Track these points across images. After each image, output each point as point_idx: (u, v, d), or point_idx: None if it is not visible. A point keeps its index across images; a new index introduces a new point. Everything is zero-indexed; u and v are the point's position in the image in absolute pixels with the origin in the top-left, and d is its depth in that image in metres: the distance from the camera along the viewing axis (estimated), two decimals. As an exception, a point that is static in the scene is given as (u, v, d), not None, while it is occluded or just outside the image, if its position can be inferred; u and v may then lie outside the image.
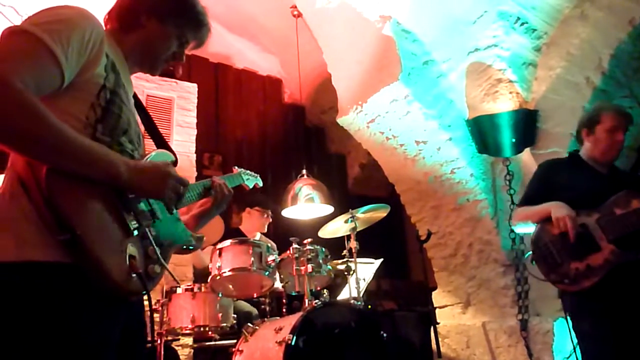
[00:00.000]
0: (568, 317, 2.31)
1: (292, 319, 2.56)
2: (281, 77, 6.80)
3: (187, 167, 4.66)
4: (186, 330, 3.09)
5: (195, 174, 4.79)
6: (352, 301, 3.00)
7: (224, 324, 3.13)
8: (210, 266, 2.99)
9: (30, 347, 1.01)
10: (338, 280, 3.44)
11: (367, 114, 4.24)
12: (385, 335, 2.74)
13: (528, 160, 4.01)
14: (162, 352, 2.99)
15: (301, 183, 4.08)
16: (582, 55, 3.68)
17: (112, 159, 1.13)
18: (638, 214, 2.15)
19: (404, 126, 4.14)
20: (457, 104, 4.17)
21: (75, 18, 1.16)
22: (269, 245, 3.08)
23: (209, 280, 2.98)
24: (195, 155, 4.86)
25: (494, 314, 4.23)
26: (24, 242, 1.04)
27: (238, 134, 6.19)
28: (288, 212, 4.12)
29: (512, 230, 3.98)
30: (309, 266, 2.87)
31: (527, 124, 3.98)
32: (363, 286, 3.46)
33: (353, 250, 3.24)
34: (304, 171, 4.21)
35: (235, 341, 2.99)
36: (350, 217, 3.27)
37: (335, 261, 3.24)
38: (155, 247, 1.22)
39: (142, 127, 1.49)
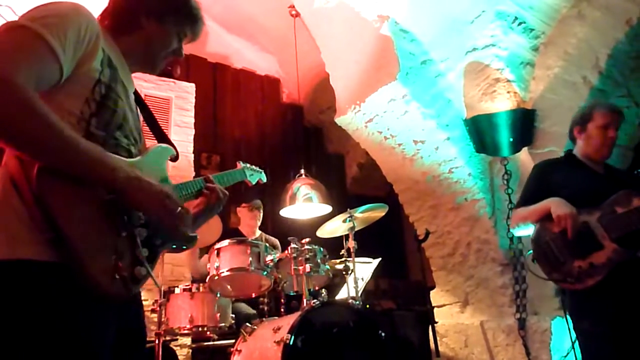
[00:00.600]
0: (567, 316, 2.30)
1: (291, 319, 2.56)
2: (279, 76, 6.80)
3: (185, 167, 4.66)
4: (184, 330, 3.09)
5: (193, 173, 4.79)
6: (350, 301, 3.01)
7: (223, 324, 3.13)
8: (208, 266, 3.00)
9: (20, 345, 1.01)
10: (336, 279, 3.44)
11: (365, 114, 4.24)
12: (383, 334, 2.73)
13: (526, 160, 4.02)
14: (161, 352, 2.99)
15: (299, 183, 4.08)
16: (579, 55, 3.69)
17: (109, 163, 1.12)
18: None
19: (402, 126, 4.15)
20: (455, 104, 4.17)
21: (71, 13, 1.16)
22: (267, 244, 3.08)
23: (207, 280, 2.97)
24: (193, 155, 4.86)
25: (492, 313, 4.24)
26: (15, 240, 1.04)
27: (236, 134, 6.19)
28: (286, 212, 4.13)
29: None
30: (307, 266, 2.87)
31: (524, 124, 3.99)
32: (361, 286, 3.46)
33: (351, 250, 3.24)
34: (302, 171, 4.21)
35: (233, 341, 2.99)
36: (349, 217, 3.27)
37: (333, 261, 3.24)
38: (141, 249, 1.20)
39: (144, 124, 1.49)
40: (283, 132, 6.67)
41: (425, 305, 4.00)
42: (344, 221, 3.31)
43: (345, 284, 3.29)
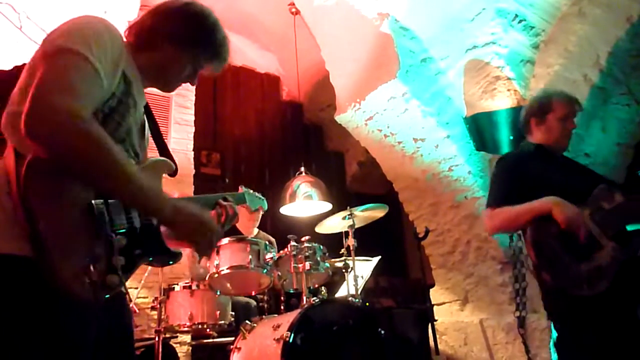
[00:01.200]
0: (556, 325, 2.12)
1: (290, 317, 2.56)
2: (279, 74, 6.79)
3: (184, 164, 4.66)
4: (184, 327, 3.10)
5: (193, 171, 4.79)
6: (350, 298, 3.01)
7: (222, 322, 3.14)
8: (208, 265, 3.00)
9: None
10: (336, 277, 3.44)
11: (365, 112, 4.24)
12: (383, 332, 2.74)
13: (526, 158, 4.01)
14: (160, 350, 2.99)
15: (299, 180, 4.08)
16: (580, 53, 3.68)
17: (161, 198, 1.23)
18: (631, 206, 2.06)
19: (402, 124, 4.14)
20: (455, 102, 4.17)
21: (104, 31, 1.21)
22: (267, 242, 3.08)
23: (207, 278, 2.98)
24: (192, 153, 4.86)
25: (491, 311, 4.24)
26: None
27: (236, 132, 6.19)
28: (286, 210, 4.13)
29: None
30: (307, 263, 2.87)
31: (525, 122, 3.98)
32: (361, 283, 3.46)
33: (351, 248, 3.24)
34: (302, 169, 4.21)
35: (233, 338, 3.00)
36: (348, 215, 3.27)
37: (333, 259, 3.24)
38: (117, 257, 1.17)
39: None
40: (283, 129, 6.66)
41: (425, 303, 4.01)
42: (344, 219, 3.31)
43: (345, 282, 3.30)
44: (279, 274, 3.04)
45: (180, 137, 4.77)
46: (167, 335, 3.45)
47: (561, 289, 2.01)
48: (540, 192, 2.10)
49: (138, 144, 1.35)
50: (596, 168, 3.89)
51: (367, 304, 2.96)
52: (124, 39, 1.32)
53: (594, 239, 2.02)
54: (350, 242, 3.25)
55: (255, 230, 4.14)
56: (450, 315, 4.56)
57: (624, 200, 2.07)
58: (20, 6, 3.86)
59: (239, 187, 1.90)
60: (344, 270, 3.24)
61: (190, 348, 4.04)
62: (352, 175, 6.77)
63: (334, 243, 3.38)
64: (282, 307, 3.27)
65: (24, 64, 1.22)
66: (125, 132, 1.27)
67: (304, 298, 2.79)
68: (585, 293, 1.95)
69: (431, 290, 4.65)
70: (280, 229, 4.57)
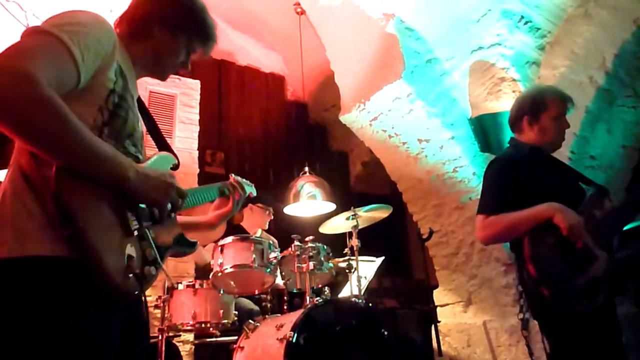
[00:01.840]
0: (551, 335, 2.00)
1: (294, 316, 2.56)
2: (284, 74, 6.80)
3: (189, 164, 4.67)
4: (187, 326, 3.10)
5: (198, 170, 4.80)
6: (353, 299, 3.01)
7: (225, 321, 3.14)
8: (212, 262, 3.00)
9: (28, 341, 1.01)
10: (339, 277, 3.44)
11: (370, 112, 4.24)
12: (386, 333, 2.73)
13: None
14: (163, 348, 3.00)
15: (303, 180, 4.08)
16: (586, 55, 3.67)
17: (122, 163, 1.16)
18: (618, 214, 1.99)
19: (407, 124, 4.14)
20: (460, 103, 4.16)
21: (92, 22, 1.19)
22: (271, 242, 3.08)
23: (210, 276, 2.98)
24: (197, 152, 4.86)
25: (495, 313, 4.23)
26: (25, 237, 1.05)
27: (240, 131, 6.20)
28: (290, 210, 4.13)
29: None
30: (311, 263, 2.87)
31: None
32: (364, 284, 3.46)
33: (354, 248, 3.24)
34: (306, 168, 4.21)
35: (236, 338, 3.00)
36: (352, 215, 3.27)
37: (336, 259, 3.24)
38: (154, 248, 1.25)
39: (144, 129, 1.51)
40: (287, 129, 6.67)
41: (428, 304, 3.99)
42: (348, 219, 3.31)
43: (349, 282, 3.30)
44: (283, 273, 3.04)
45: (185, 136, 4.78)
46: (170, 334, 3.45)
47: (561, 304, 1.88)
48: (537, 197, 1.97)
49: (141, 136, 1.37)
50: (601, 171, 3.89)
51: (370, 304, 2.96)
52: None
53: (589, 249, 1.90)
54: (354, 242, 3.25)
55: (259, 231, 4.15)
56: (454, 316, 4.55)
57: (612, 206, 2.00)
58: (27, 4, 3.87)
59: (230, 176, 1.98)
60: (347, 271, 3.24)
61: (193, 347, 4.04)
62: (356, 175, 6.77)
63: (337, 243, 3.37)
64: (285, 307, 3.27)
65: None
66: (131, 127, 1.29)
67: (307, 298, 2.79)
68: (585, 308, 1.84)
69: (435, 291, 4.64)
70: (283, 229, 4.57)
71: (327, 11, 4.27)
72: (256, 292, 3.22)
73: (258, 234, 4.07)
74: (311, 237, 3.00)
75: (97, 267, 1.07)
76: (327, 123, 6.88)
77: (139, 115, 1.42)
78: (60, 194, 1.04)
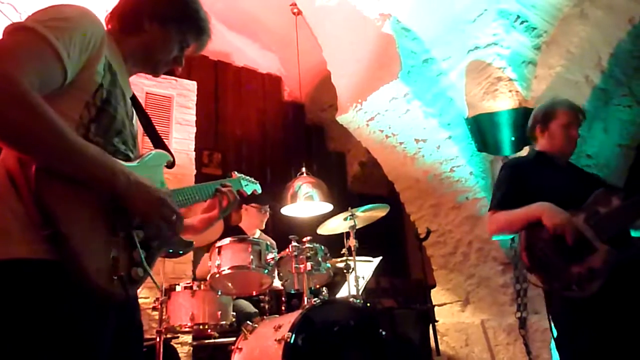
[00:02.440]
0: (555, 328, 2.16)
1: (292, 317, 2.56)
2: (281, 74, 6.80)
3: (186, 164, 4.66)
4: (185, 328, 3.09)
5: (195, 171, 4.79)
6: (351, 299, 3.01)
7: (223, 322, 3.13)
8: (209, 264, 3.00)
9: (15, 345, 1.00)
10: (337, 278, 3.44)
11: (367, 112, 4.24)
12: (384, 333, 2.73)
13: (527, 159, 4.01)
14: (161, 350, 2.99)
15: (300, 181, 4.08)
16: (581, 54, 3.68)
17: (110, 166, 1.12)
18: (626, 211, 2.09)
19: (404, 124, 4.14)
20: (457, 102, 4.17)
21: (77, 17, 1.16)
22: (268, 243, 3.08)
23: (208, 278, 2.98)
24: (194, 153, 4.86)
25: (492, 312, 4.24)
26: (9, 239, 1.04)
27: (237, 132, 6.19)
28: (287, 210, 4.13)
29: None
30: (308, 264, 2.86)
31: (526, 123, 3.95)
32: (362, 284, 3.46)
33: (352, 248, 3.24)
34: (304, 169, 4.21)
35: (234, 339, 3.00)
36: (350, 215, 3.27)
37: (334, 259, 3.24)
38: (140, 250, 1.20)
39: (140, 129, 1.49)
40: (284, 130, 6.67)
41: (426, 303, 4.01)
42: (345, 219, 3.31)
43: (346, 283, 3.29)
44: (280, 274, 3.04)
45: (182, 137, 4.77)
46: (169, 336, 3.45)
47: (553, 290, 2.10)
48: (538, 197, 2.16)
49: (132, 136, 1.33)
50: (598, 169, 3.90)
51: (368, 304, 2.96)
52: (105, 27, 1.28)
53: (587, 242, 2.05)
54: (352, 242, 3.25)
55: (257, 232, 4.15)
56: (452, 316, 4.56)
57: (620, 204, 2.11)
58: (21, 6, 3.86)
59: (232, 173, 1.95)
60: (345, 271, 3.24)
61: (192, 348, 4.04)
62: (354, 175, 6.78)
63: (335, 243, 3.37)
64: (283, 308, 3.27)
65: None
66: (121, 124, 1.25)
67: (305, 299, 2.78)
68: (575, 294, 2.01)
69: (432, 291, 4.65)
70: (281, 230, 4.57)
71: (323, 12, 4.27)
72: (254, 293, 3.22)
73: (256, 235, 4.07)
74: (309, 238, 2.99)
75: (78, 268, 1.04)
76: (324, 123, 6.88)
77: (134, 113, 1.40)
78: (40, 193, 1.02)
